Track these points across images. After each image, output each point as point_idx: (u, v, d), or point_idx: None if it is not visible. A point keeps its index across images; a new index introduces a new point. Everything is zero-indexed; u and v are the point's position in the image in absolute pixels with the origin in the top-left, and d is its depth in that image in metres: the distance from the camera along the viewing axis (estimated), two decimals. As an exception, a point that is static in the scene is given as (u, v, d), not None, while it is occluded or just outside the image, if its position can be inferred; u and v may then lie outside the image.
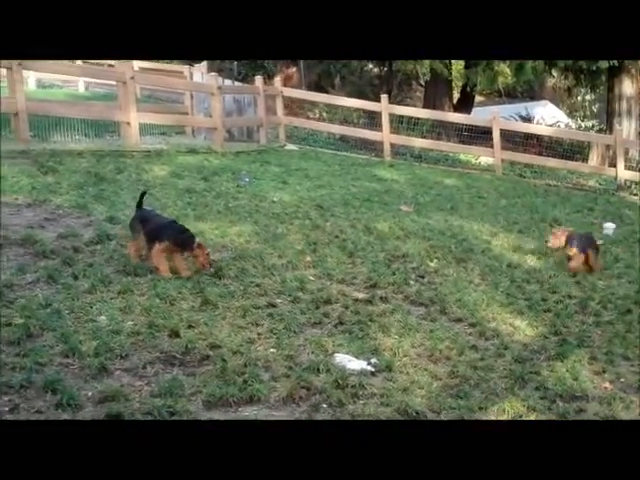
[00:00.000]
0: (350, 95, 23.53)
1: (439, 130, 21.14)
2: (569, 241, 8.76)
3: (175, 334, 5.58)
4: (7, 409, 4.28)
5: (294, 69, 30.76)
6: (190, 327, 5.76)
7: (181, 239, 6.81)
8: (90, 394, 4.58)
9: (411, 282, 7.56)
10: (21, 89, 11.46)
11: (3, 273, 6.26)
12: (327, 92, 26.18)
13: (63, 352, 5.06)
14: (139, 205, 7.16)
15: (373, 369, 5.46)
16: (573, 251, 8.67)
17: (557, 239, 8.89)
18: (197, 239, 6.98)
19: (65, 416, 4.29)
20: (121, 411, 4.37)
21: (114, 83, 15.82)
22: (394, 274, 7.68)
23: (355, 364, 5.48)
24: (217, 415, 4.56)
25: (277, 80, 19.46)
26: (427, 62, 23.34)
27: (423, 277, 7.80)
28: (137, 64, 22.23)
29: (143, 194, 7.30)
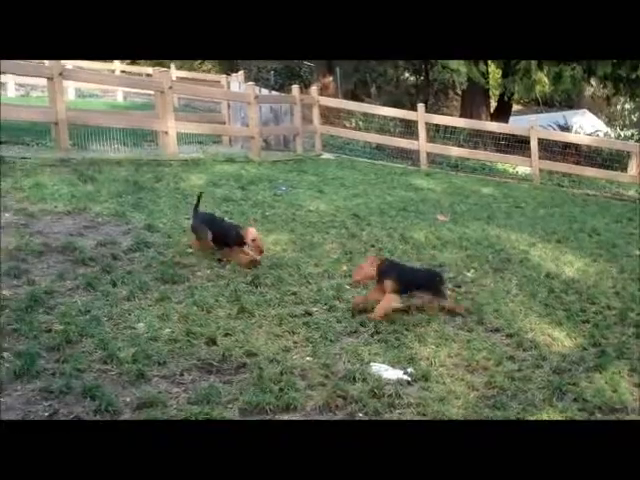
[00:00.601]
0: (386, 104, 23.50)
1: (476, 139, 21.03)
2: (383, 274, 6.61)
3: (212, 342, 5.61)
4: (47, 414, 4.34)
5: (330, 78, 30.82)
6: (227, 335, 5.79)
7: (239, 240, 7.42)
8: (128, 400, 4.63)
9: (448, 292, 7.51)
10: (61, 99, 11.64)
11: (43, 280, 6.35)
12: (363, 101, 26.20)
13: (102, 358, 5.12)
14: (197, 208, 7.71)
15: (409, 378, 5.43)
16: (389, 288, 6.56)
17: (363, 270, 6.70)
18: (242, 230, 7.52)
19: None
20: (158, 417, 4.40)
21: (152, 93, 16.01)
22: (430, 283, 7.64)
23: (391, 373, 5.46)
24: (253, 423, 4.57)
25: (313, 89, 19.54)
26: (464, 71, 23.26)
27: (460, 287, 7.75)
28: (175, 74, 22.50)
29: (199, 197, 7.90)
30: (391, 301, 6.52)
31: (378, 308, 6.48)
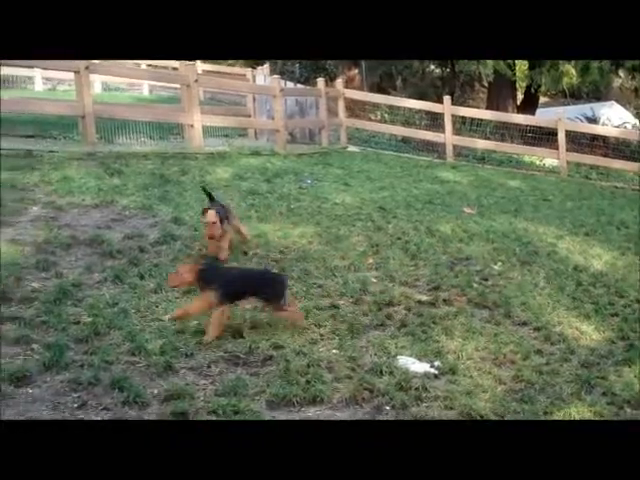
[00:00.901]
0: (412, 97, 23.38)
1: (502, 131, 20.85)
2: (204, 282, 5.69)
3: (239, 334, 5.64)
4: (76, 405, 4.38)
5: (356, 71, 30.75)
6: (253, 327, 5.82)
7: None
8: (156, 392, 4.67)
9: (475, 285, 7.48)
10: (88, 92, 11.71)
11: (71, 272, 6.41)
12: (389, 94, 26.10)
13: (130, 350, 5.16)
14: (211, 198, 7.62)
15: (436, 372, 5.42)
16: (212, 300, 5.60)
17: (178, 278, 5.77)
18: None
19: (132, 413, 4.37)
20: (186, 409, 4.43)
21: (178, 86, 16.05)
22: (457, 277, 7.61)
23: (418, 366, 5.46)
24: (280, 415, 4.59)
25: (339, 82, 19.44)
26: (490, 63, 23.08)
27: (487, 280, 7.71)
28: (200, 67, 22.54)
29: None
30: (220, 317, 5.60)
31: (211, 330, 5.54)
